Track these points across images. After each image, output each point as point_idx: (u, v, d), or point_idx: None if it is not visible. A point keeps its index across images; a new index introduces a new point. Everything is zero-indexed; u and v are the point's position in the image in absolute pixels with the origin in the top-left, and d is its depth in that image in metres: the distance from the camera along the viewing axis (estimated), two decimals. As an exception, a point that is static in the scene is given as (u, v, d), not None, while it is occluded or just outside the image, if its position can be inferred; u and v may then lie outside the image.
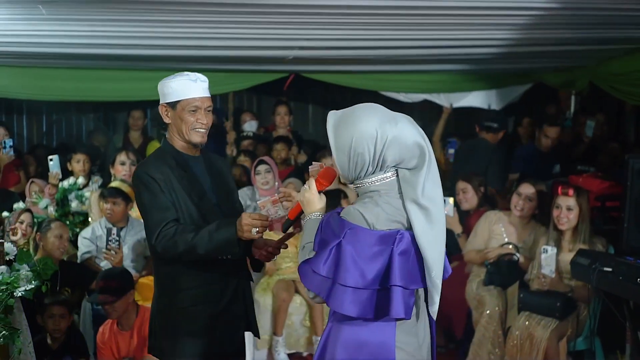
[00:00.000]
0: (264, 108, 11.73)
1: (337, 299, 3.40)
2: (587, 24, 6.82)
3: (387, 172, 3.52)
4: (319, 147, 9.71)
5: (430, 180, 3.48)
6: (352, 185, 3.66)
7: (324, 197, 3.77)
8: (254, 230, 4.07)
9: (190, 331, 4.34)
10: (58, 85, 9.47)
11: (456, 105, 10.55)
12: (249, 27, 6.95)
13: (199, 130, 4.39)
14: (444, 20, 6.73)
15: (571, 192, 6.43)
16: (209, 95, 4.45)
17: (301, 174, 8.67)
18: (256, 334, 4.68)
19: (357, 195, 3.65)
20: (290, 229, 4.06)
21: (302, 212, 3.83)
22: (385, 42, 7.64)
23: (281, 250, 4.44)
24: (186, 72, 4.42)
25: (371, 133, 3.43)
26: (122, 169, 8.26)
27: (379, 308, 3.40)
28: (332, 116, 3.63)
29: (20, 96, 9.98)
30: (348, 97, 11.30)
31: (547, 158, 9.17)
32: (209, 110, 4.43)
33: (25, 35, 7.14)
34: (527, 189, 7.09)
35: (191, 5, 6.19)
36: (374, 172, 3.51)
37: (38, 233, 7.13)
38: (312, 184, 3.74)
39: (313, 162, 3.98)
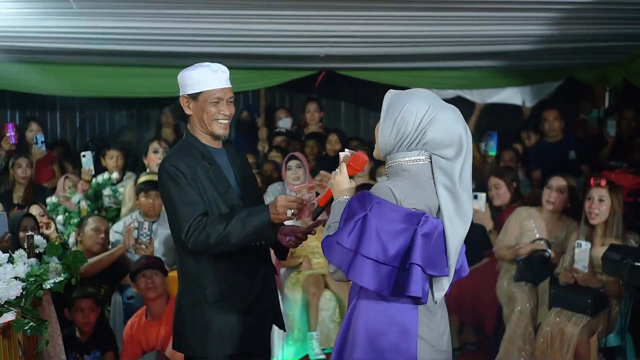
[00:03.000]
0: (295, 105, 11.73)
1: (357, 270, 3.46)
2: (621, 18, 6.78)
3: (421, 155, 3.60)
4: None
5: (465, 171, 3.59)
6: (385, 163, 3.75)
7: (353, 182, 3.82)
8: (290, 212, 4.10)
9: (220, 326, 4.31)
10: (90, 81, 9.52)
11: (489, 101, 10.49)
12: (281, 24, 6.96)
13: (222, 121, 4.36)
14: (477, 14, 6.71)
15: (603, 182, 6.38)
16: (230, 86, 4.41)
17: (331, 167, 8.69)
18: (282, 327, 4.67)
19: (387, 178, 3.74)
20: (321, 216, 4.08)
21: (331, 199, 3.88)
22: (417, 38, 7.62)
23: (308, 237, 4.44)
24: (206, 63, 4.39)
25: (422, 106, 3.56)
26: (155, 157, 8.22)
27: (397, 286, 3.45)
28: (391, 91, 3.74)
29: (53, 92, 10.07)
30: (380, 93, 11.15)
31: (559, 147, 9.13)
32: (230, 102, 4.39)
33: (56, 31, 7.18)
34: (558, 181, 7.02)
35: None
36: (409, 148, 3.59)
37: (77, 229, 7.21)
38: (343, 168, 3.79)
39: (345, 149, 4.02)
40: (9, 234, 5.62)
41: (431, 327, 3.61)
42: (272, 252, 4.62)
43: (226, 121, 4.38)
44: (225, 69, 4.38)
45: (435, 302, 3.66)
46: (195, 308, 4.36)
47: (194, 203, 4.21)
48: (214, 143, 4.44)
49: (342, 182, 3.76)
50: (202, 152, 4.36)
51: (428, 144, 3.56)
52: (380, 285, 3.45)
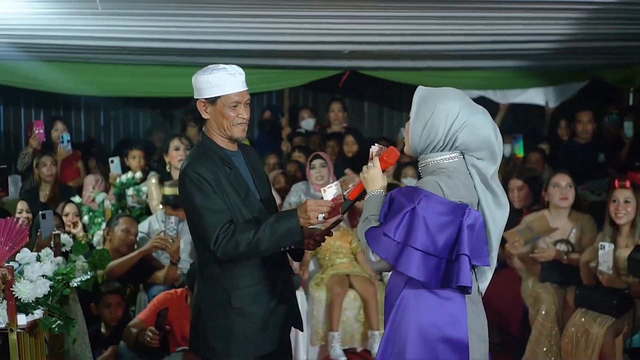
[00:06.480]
0: (319, 105, 11.73)
1: (406, 261, 3.53)
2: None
3: (454, 152, 3.69)
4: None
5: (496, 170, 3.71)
6: (418, 160, 3.82)
7: (386, 177, 3.89)
8: (321, 216, 4.10)
9: (244, 331, 4.30)
10: (115, 81, 9.56)
11: (512, 102, 10.46)
12: (305, 22, 6.98)
13: (240, 125, 4.32)
14: (501, 14, 6.71)
15: (628, 183, 6.38)
16: (247, 89, 4.35)
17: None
18: (300, 328, 4.67)
19: (420, 176, 3.81)
20: (340, 217, 4.10)
21: (362, 193, 3.94)
22: (441, 37, 7.63)
23: (327, 240, 4.43)
24: (221, 65, 4.31)
25: (453, 110, 3.63)
26: (177, 155, 8.05)
27: (446, 277, 3.54)
28: (422, 88, 3.79)
29: (78, 92, 10.10)
30: (404, 94, 11.30)
31: (589, 148, 9.11)
32: (247, 104, 4.35)
33: (81, 30, 7.22)
34: (564, 178, 6.99)
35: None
36: (441, 150, 3.68)
37: (107, 228, 7.22)
38: (376, 162, 3.86)
39: (375, 143, 4.02)
40: (55, 233, 5.66)
41: (475, 319, 3.70)
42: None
43: (245, 124, 4.35)
44: (241, 70, 4.32)
45: (481, 294, 3.80)
46: (218, 313, 4.34)
47: (220, 211, 4.18)
48: (231, 146, 4.41)
49: (376, 175, 3.83)
50: (222, 156, 4.32)
51: (459, 147, 3.66)
52: (429, 276, 3.53)
